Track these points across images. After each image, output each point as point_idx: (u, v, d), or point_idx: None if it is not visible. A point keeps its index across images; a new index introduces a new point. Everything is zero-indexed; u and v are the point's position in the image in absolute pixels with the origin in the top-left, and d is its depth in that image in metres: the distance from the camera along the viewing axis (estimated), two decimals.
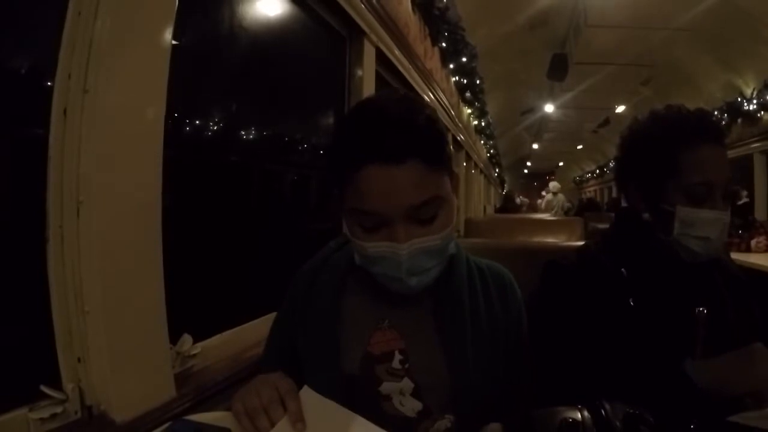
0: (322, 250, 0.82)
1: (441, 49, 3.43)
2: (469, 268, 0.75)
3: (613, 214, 0.96)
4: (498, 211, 7.19)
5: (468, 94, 4.74)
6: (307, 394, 0.60)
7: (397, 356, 0.69)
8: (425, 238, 0.62)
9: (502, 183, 13.16)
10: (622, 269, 0.83)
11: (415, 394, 0.68)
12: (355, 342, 0.70)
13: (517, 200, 7.08)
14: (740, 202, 3.35)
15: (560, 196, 8.76)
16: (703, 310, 0.78)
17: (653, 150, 0.82)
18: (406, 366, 0.68)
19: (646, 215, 0.85)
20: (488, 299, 0.74)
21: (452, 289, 0.72)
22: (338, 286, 0.74)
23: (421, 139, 0.60)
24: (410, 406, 0.68)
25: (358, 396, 0.67)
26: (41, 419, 0.65)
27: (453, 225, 0.67)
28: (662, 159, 0.80)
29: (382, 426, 0.62)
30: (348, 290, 0.74)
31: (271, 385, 0.59)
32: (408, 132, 0.60)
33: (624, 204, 0.95)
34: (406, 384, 0.68)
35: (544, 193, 9.58)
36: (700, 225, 0.77)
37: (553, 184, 9.16)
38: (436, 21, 3.03)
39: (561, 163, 17.83)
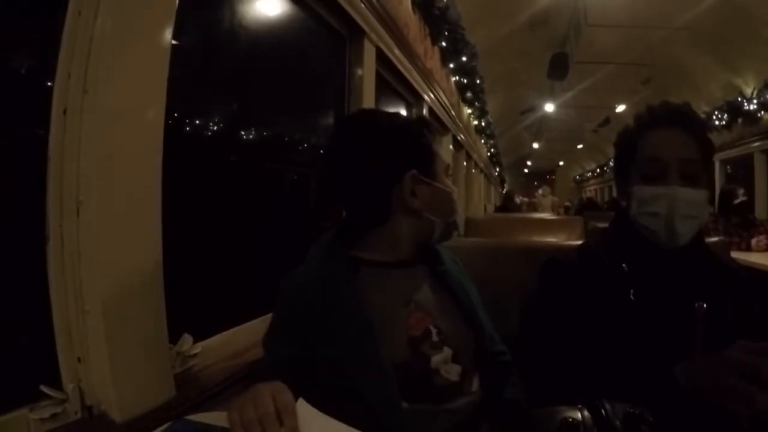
0: (308, 257, 0.81)
1: (441, 48, 3.43)
2: (451, 262, 0.90)
3: (613, 213, 0.97)
4: (498, 210, 7.20)
5: (468, 94, 4.73)
6: (303, 407, 0.60)
7: (433, 330, 0.76)
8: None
9: (502, 182, 13.16)
10: (623, 265, 0.83)
11: (454, 359, 0.76)
12: (393, 330, 0.74)
13: (517, 200, 7.12)
14: (737, 201, 3.34)
15: (549, 198, 10.38)
16: (702, 305, 0.78)
17: (623, 141, 0.89)
18: (442, 337, 0.76)
19: (623, 203, 0.89)
20: (461, 271, 0.91)
21: (448, 269, 0.86)
22: (351, 276, 0.76)
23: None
24: (455, 372, 0.75)
25: (411, 380, 0.71)
26: (41, 419, 0.65)
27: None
28: (627, 147, 0.87)
29: (438, 399, 0.73)
30: (362, 288, 0.76)
31: (268, 397, 0.58)
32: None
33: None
34: (447, 352, 0.76)
35: (537, 193, 11.18)
36: (650, 201, 0.81)
37: (544, 189, 11.01)
38: (436, 20, 3.03)
39: (561, 163, 17.83)
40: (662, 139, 0.83)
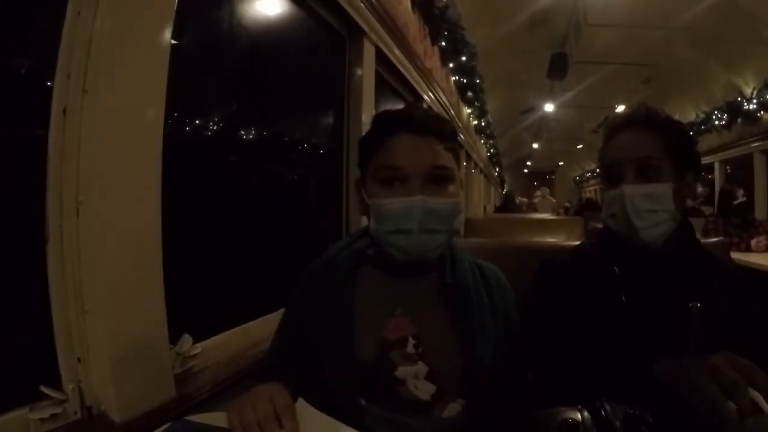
0: (328, 249, 0.83)
1: (441, 48, 3.43)
2: (469, 263, 0.82)
3: None
4: (498, 210, 7.22)
5: (468, 94, 4.73)
6: (302, 407, 0.60)
7: (411, 341, 0.73)
8: (438, 198, 0.73)
9: (502, 182, 13.17)
10: (615, 267, 0.84)
11: (429, 377, 0.71)
12: (370, 330, 0.73)
13: (517, 200, 7.17)
14: (736, 202, 3.34)
15: (548, 199, 10.50)
16: (696, 305, 0.78)
17: (600, 153, 0.93)
18: (420, 350, 0.72)
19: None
20: (489, 291, 0.80)
21: (459, 279, 0.78)
22: (350, 281, 0.76)
23: (443, 127, 0.77)
24: (424, 390, 0.71)
25: (374, 382, 0.70)
26: (41, 419, 0.65)
27: (460, 200, 0.77)
28: (600, 157, 0.92)
29: (398, 409, 0.68)
30: (359, 285, 0.77)
31: (268, 399, 0.59)
32: (430, 117, 0.78)
33: None
34: (421, 368, 0.71)
35: (536, 194, 11.24)
36: (610, 203, 0.86)
37: (542, 190, 11.06)
38: (435, 20, 3.03)
39: (561, 163, 17.82)
40: (620, 142, 0.87)
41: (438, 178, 0.74)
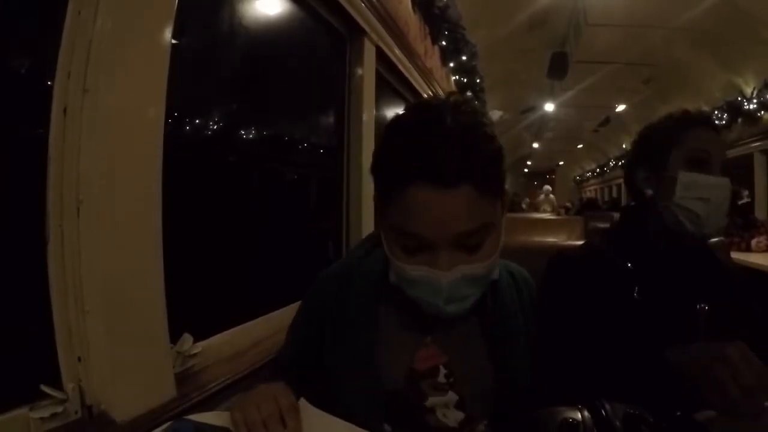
0: (347, 255, 0.80)
1: (441, 47, 3.43)
2: (505, 277, 0.76)
3: (613, 213, 0.98)
4: None
5: (468, 93, 4.73)
6: (305, 407, 0.60)
7: (442, 371, 0.69)
8: (470, 266, 0.59)
9: None
10: (628, 264, 0.84)
11: (458, 405, 0.68)
12: (398, 358, 0.69)
13: (523, 205, 7.28)
14: (741, 202, 3.35)
15: (549, 197, 10.86)
16: (704, 306, 0.78)
17: (663, 132, 0.91)
18: (451, 380, 0.69)
19: (649, 191, 0.89)
20: (523, 304, 0.76)
21: (499, 303, 0.71)
22: (375, 296, 0.71)
23: (479, 161, 0.56)
24: (453, 417, 0.68)
25: (400, 410, 0.68)
26: (41, 419, 0.64)
27: (498, 251, 0.63)
28: (669, 136, 0.89)
29: None
30: (385, 301, 0.71)
31: (272, 398, 0.59)
32: (466, 153, 0.55)
33: (624, 202, 0.97)
34: (451, 397, 0.68)
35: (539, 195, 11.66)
36: (701, 187, 0.83)
37: (545, 189, 11.42)
38: (436, 19, 3.03)
39: (561, 162, 17.81)
40: (709, 136, 0.87)
41: (472, 243, 0.59)
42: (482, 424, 0.70)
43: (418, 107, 0.65)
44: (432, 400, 0.68)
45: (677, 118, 0.91)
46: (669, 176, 0.86)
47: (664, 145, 0.89)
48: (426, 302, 0.62)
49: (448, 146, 0.54)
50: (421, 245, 0.59)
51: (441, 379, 0.69)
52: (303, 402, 0.61)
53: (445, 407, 0.68)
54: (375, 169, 0.63)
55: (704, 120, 0.90)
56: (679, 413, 0.55)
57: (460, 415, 0.68)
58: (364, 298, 0.72)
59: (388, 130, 0.62)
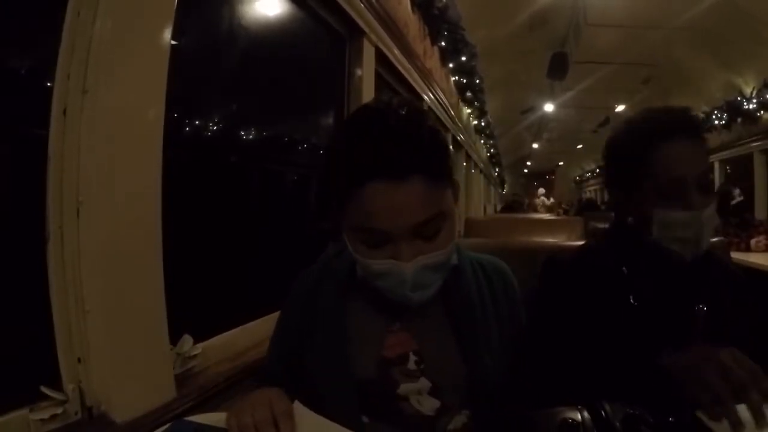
0: (321, 256, 0.81)
1: (440, 48, 3.43)
2: (472, 266, 0.77)
3: (613, 213, 0.96)
4: (503, 210, 7.32)
5: (468, 94, 4.73)
6: (299, 410, 0.60)
7: (412, 357, 0.70)
8: (430, 254, 0.63)
9: (502, 183, 13.20)
10: (623, 268, 0.83)
11: (433, 392, 0.69)
12: (368, 347, 0.70)
13: (525, 207, 7.36)
14: (734, 202, 3.34)
15: (543, 198, 11.64)
16: (702, 308, 0.77)
17: (627, 154, 0.82)
18: (422, 366, 0.70)
19: (630, 219, 0.85)
20: (493, 294, 0.76)
21: (462, 290, 0.74)
22: (342, 292, 0.74)
23: (425, 154, 0.60)
24: (428, 405, 0.69)
25: (374, 399, 0.68)
26: (41, 420, 0.65)
27: (455, 238, 0.67)
28: (635, 161, 0.80)
29: (401, 425, 0.66)
30: (353, 296, 0.74)
31: (266, 404, 0.59)
32: (412, 147, 0.59)
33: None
34: (423, 384, 0.69)
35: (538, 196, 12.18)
36: (676, 226, 0.77)
37: (540, 191, 12.28)
38: (435, 20, 3.03)
39: (561, 163, 17.82)
40: (680, 154, 0.77)
41: (429, 232, 0.63)
42: (464, 414, 0.70)
43: (361, 112, 0.67)
44: (404, 387, 0.68)
45: (640, 130, 0.81)
46: (645, 208, 0.79)
47: (634, 167, 0.80)
48: (393, 292, 0.65)
49: (395, 142, 0.58)
50: (382, 240, 0.62)
51: (411, 365, 0.70)
52: (298, 405, 0.61)
53: (419, 394, 0.69)
54: (328, 176, 0.65)
55: (670, 130, 0.78)
56: (671, 419, 0.55)
57: (435, 403, 0.69)
58: (332, 294, 0.74)
59: (336, 138, 0.67)
